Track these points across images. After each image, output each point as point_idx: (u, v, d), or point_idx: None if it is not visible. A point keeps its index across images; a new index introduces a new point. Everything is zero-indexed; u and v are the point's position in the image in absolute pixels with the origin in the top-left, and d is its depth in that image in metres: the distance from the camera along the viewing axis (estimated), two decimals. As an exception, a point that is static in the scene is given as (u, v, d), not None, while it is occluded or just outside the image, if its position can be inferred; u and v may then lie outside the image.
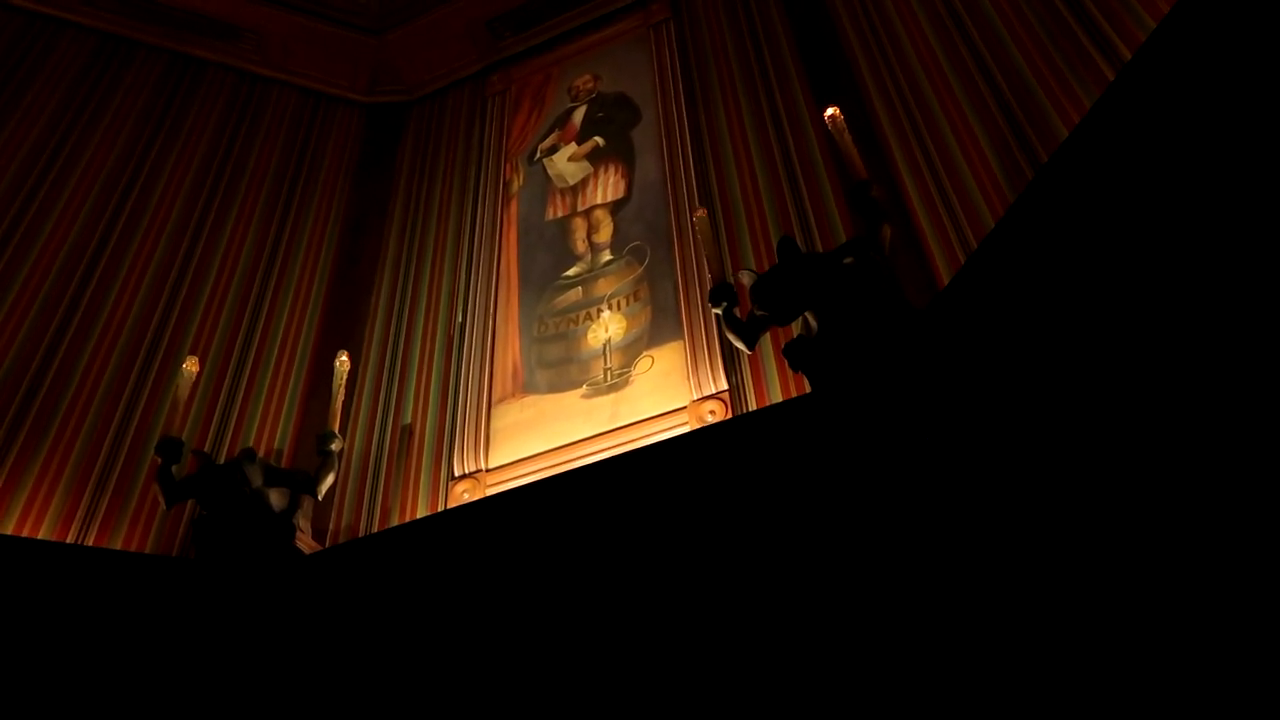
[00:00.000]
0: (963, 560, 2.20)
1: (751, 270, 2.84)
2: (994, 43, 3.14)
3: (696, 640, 2.43)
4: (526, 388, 3.59)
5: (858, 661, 2.21)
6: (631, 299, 3.66)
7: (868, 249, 2.68)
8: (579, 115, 4.67)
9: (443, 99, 5.20)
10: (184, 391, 3.25)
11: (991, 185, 2.93)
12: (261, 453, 3.40)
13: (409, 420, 3.64)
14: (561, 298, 3.85)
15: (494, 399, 3.60)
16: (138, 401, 3.56)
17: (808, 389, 2.76)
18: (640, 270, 3.74)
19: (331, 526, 3.35)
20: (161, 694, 2.70)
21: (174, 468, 3.08)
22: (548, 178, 4.44)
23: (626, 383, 3.38)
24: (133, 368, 3.65)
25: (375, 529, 3.29)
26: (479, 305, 3.96)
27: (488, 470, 3.36)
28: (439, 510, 3.24)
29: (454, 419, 3.57)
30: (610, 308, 3.68)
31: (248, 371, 3.82)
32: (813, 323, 2.63)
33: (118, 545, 3.15)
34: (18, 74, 4.45)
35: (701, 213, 3.24)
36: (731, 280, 3.06)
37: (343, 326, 4.11)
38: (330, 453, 3.23)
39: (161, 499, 3.05)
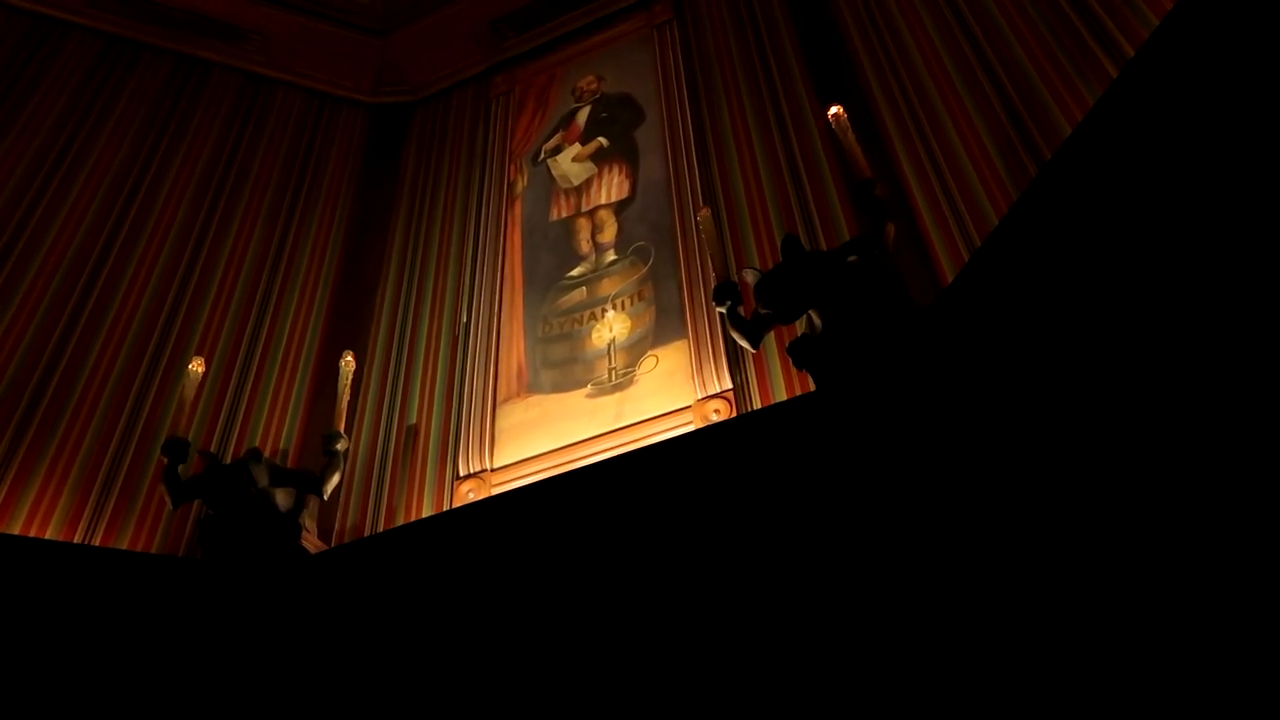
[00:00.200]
0: (969, 558, 2.20)
1: (756, 269, 2.84)
2: (997, 40, 3.14)
3: (703, 639, 2.43)
4: (531, 388, 3.60)
5: (865, 660, 2.21)
6: (636, 299, 3.67)
7: (872, 247, 2.68)
8: (583, 116, 4.67)
9: (447, 100, 5.20)
10: (190, 392, 3.26)
11: (995, 183, 2.93)
12: (267, 453, 3.42)
13: (414, 420, 3.65)
14: (566, 298, 3.85)
15: (499, 399, 3.61)
16: (144, 402, 3.57)
17: (812, 387, 2.77)
18: (644, 270, 3.75)
19: (337, 526, 3.36)
20: (169, 693, 2.71)
21: (180, 468, 3.09)
22: (552, 178, 4.44)
23: (631, 382, 3.38)
24: (139, 368, 3.67)
25: (380, 529, 3.30)
26: (484, 305, 3.96)
27: (493, 470, 3.36)
28: (444, 510, 3.25)
29: (459, 419, 3.57)
30: (615, 307, 3.68)
31: (253, 372, 3.83)
32: (817, 321, 2.63)
33: (124, 545, 3.17)
34: (24, 77, 4.47)
35: (705, 212, 3.24)
36: (736, 279, 3.05)
37: (348, 327, 4.12)
38: (336, 453, 3.24)
39: (168, 499, 3.06)
